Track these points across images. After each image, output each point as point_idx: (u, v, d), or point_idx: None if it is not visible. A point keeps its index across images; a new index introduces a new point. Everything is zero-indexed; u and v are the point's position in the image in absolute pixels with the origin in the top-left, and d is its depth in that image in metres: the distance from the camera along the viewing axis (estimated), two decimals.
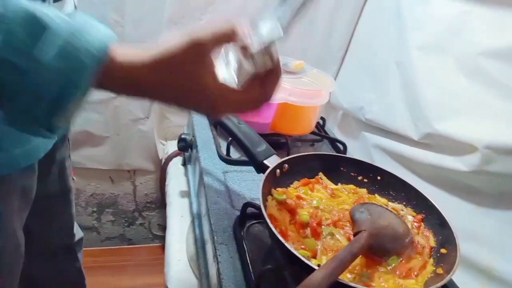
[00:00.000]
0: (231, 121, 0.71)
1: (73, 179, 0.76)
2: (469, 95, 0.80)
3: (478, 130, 0.75)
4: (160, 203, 1.37)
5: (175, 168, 1.13)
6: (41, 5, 0.33)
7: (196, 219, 0.83)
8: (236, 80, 0.43)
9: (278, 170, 0.66)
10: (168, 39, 0.38)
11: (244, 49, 0.41)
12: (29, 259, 0.61)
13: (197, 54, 0.38)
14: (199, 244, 0.75)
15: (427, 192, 0.66)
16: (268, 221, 0.52)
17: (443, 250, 0.58)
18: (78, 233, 0.84)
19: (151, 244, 1.41)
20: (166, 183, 1.11)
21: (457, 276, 0.71)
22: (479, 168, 0.74)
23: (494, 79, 0.75)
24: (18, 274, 0.60)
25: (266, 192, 0.61)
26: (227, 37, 0.40)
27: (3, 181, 0.50)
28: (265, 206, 0.57)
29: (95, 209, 1.34)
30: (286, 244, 0.49)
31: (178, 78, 0.38)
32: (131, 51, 0.37)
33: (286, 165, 0.67)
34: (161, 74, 0.37)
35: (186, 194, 0.98)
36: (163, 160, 1.22)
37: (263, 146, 0.69)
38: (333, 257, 0.47)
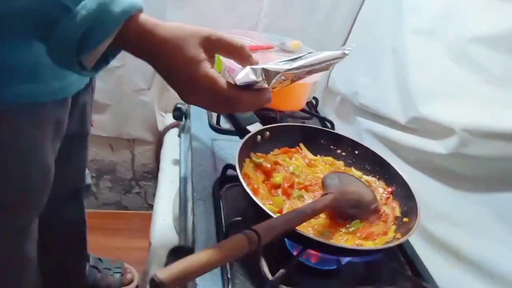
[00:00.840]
0: None
1: (91, 125, 0.83)
2: (455, 80, 0.81)
3: (458, 114, 0.76)
4: (157, 173, 1.42)
5: (172, 138, 1.17)
6: None
7: (182, 181, 0.87)
8: (239, 78, 0.49)
9: (259, 136, 0.69)
10: (186, 25, 0.46)
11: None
12: None
13: (204, 43, 0.47)
14: (182, 203, 0.80)
15: (410, 175, 0.68)
16: (240, 176, 0.56)
17: (405, 219, 0.61)
18: (88, 179, 0.90)
19: (146, 211, 1.46)
20: (161, 152, 1.15)
21: (428, 255, 0.74)
22: (456, 151, 0.76)
23: (479, 65, 0.76)
24: (44, 202, 0.65)
25: (245, 155, 0.65)
26: (234, 49, 0.50)
27: (41, 110, 0.57)
28: (242, 168, 0.61)
29: (94, 174, 1.39)
30: (253, 197, 0.53)
31: (179, 53, 0.45)
32: (152, 20, 0.45)
33: (268, 133, 0.70)
34: (167, 44, 0.45)
35: (178, 162, 1.02)
36: (162, 131, 1.27)
37: (247, 114, 0.72)
38: (294, 209, 0.50)
